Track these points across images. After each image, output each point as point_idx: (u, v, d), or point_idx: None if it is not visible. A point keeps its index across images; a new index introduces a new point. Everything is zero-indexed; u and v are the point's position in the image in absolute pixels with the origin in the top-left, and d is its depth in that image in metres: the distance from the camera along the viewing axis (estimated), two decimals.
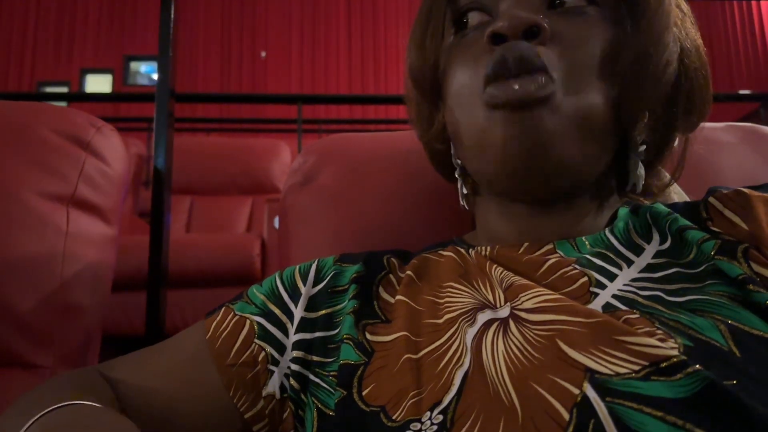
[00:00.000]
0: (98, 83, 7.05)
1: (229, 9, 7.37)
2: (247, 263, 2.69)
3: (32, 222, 0.74)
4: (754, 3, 6.17)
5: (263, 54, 7.41)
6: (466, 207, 0.62)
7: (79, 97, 5.70)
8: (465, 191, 0.61)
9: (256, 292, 0.58)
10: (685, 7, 0.57)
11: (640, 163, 0.54)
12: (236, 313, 0.56)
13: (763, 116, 4.05)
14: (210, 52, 7.27)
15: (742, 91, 5.61)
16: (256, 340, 0.54)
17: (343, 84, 7.22)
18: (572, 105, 0.47)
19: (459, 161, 0.60)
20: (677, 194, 0.69)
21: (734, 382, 0.35)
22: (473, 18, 0.55)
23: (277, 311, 0.56)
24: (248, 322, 0.55)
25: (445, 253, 0.58)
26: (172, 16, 1.16)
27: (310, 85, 7.25)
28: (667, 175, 0.62)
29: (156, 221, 1.13)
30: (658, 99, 0.53)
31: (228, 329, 0.55)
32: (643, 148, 0.54)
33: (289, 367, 0.53)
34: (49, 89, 6.85)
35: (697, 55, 0.56)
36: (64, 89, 6.92)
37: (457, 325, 0.47)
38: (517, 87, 0.46)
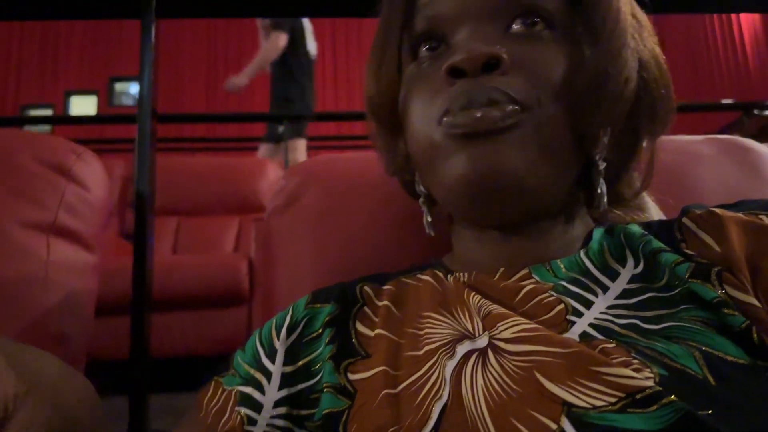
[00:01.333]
0: (83, 105, 7.03)
1: (214, 27, 7.38)
2: (235, 284, 2.68)
3: (12, 251, 0.73)
4: (734, 14, 6.25)
5: None
6: (432, 234, 0.61)
7: (61, 120, 5.67)
8: (429, 219, 0.61)
9: (241, 362, 0.56)
10: (641, 16, 0.57)
11: (602, 181, 0.54)
12: (225, 388, 0.54)
13: (746, 124, 4.09)
14: (196, 70, 7.26)
15: (724, 100, 5.66)
16: (236, 408, 0.52)
17: (330, 101, 7.23)
18: (534, 132, 0.47)
19: (423, 189, 0.60)
20: (655, 209, 0.69)
21: (709, 411, 0.35)
22: (430, 47, 0.55)
23: (256, 374, 0.54)
24: (234, 393, 0.53)
25: (423, 277, 0.58)
26: (153, 37, 1.16)
27: None
28: (638, 183, 0.62)
29: (139, 245, 1.12)
30: (619, 116, 0.53)
31: (218, 405, 0.53)
32: (603, 165, 0.54)
33: (270, 425, 0.51)
34: (34, 112, 6.82)
35: (656, 65, 0.56)
36: (48, 112, 6.89)
37: (436, 357, 0.47)
38: (479, 114, 0.46)
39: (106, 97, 7.06)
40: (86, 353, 0.83)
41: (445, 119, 0.49)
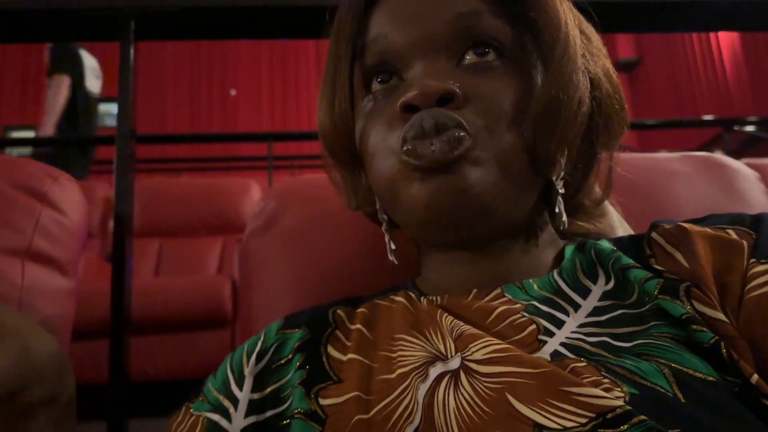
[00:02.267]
0: None
1: (198, 47, 7.39)
2: (218, 306, 2.64)
3: None
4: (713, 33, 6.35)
5: (233, 92, 7.43)
6: (396, 262, 0.60)
7: (41, 142, 5.62)
8: (393, 247, 0.60)
9: (211, 388, 0.55)
10: (589, 30, 0.57)
11: (560, 200, 0.54)
12: (193, 413, 0.54)
13: (726, 140, 4.14)
14: (180, 90, 7.26)
15: (705, 117, 5.73)
16: None
17: (315, 120, 7.24)
18: (490, 158, 0.47)
19: (385, 216, 0.59)
20: (621, 225, 0.69)
21: (678, 430, 0.35)
22: (382, 79, 0.54)
23: (225, 401, 0.53)
24: (201, 419, 0.53)
25: (396, 298, 0.57)
26: (131, 61, 1.16)
27: (281, 122, 7.26)
28: (599, 191, 0.62)
29: (118, 267, 1.11)
30: (574, 139, 0.52)
31: (185, 430, 0.52)
32: (561, 185, 0.54)
33: None
34: (16, 133, 6.77)
35: (607, 80, 0.56)
36: (31, 133, 6.83)
37: (409, 380, 0.46)
38: (434, 148, 0.46)
39: None
40: None
41: (403, 148, 0.48)
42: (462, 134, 0.46)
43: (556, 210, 0.53)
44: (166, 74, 7.22)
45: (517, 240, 0.54)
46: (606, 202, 0.67)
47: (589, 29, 0.57)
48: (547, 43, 0.50)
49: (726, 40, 6.30)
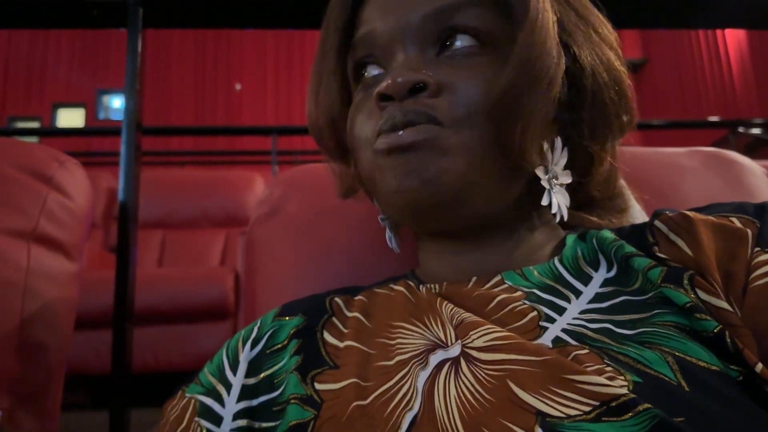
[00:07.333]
0: (70, 117, 6.99)
1: (203, 41, 7.38)
2: (221, 297, 2.65)
3: None
4: (719, 31, 6.32)
5: (238, 86, 7.42)
6: (397, 250, 0.61)
7: (46, 132, 5.64)
8: (390, 234, 0.61)
9: (206, 372, 0.56)
10: (592, 17, 0.56)
11: (561, 191, 0.53)
12: (186, 395, 0.54)
13: (732, 142, 4.13)
14: (184, 84, 7.26)
15: (711, 118, 5.71)
16: (195, 418, 0.51)
17: None
18: (460, 148, 0.47)
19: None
20: (639, 211, 0.69)
21: (683, 418, 0.35)
22: (371, 71, 0.56)
23: (218, 386, 0.53)
24: (193, 401, 0.53)
25: (396, 287, 0.57)
26: (139, 49, 1.16)
27: (285, 116, 7.26)
28: (620, 182, 0.62)
29: (122, 257, 1.11)
30: (543, 127, 0.51)
31: (177, 412, 0.53)
32: (547, 176, 0.53)
33: None
34: (21, 124, 6.77)
35: (606, 70, 0.54)
36: (35, 124, 6.85)
37: (408, 367, 0.46)
38: (401, 133, 0.48)
39: (94, 110, 7.03)
40: (65, 363, 0.81)
41: (378, 139, 0.50)
42: (431, 128, 0.47)
43: (543, 203, 0.52)
44: (171, 67, 7.21)
45: (508, 231, 0.54)
46: (632, 198, 0.67)
47: (593, 15, 0.56)
48: (519, 27, 0.49)
49: (733, 41, 6.27)
